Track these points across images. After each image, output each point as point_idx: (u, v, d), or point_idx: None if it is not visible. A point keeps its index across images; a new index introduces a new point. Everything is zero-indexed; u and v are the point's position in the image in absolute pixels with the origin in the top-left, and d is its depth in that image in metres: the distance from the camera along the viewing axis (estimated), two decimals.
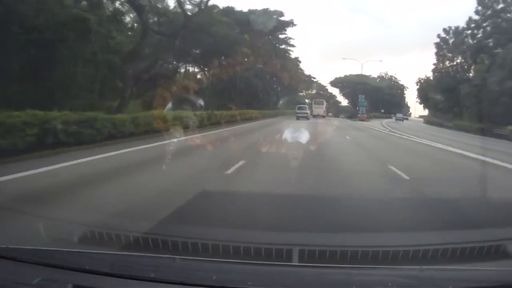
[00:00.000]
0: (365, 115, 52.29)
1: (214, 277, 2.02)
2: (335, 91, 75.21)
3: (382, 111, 62.78)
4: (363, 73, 64.76)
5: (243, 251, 3.48)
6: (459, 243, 3.93)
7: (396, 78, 71.46)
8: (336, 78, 69.26)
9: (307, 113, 42.60)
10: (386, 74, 70.72)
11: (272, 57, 44.14)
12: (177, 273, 2.14)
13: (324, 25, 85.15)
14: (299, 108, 43.30)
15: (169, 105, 19.72)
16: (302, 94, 66.48)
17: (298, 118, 40.24)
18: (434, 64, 50.27)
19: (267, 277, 2.16)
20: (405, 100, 71.62)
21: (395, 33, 69.46)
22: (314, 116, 46.17)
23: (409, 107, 73.65)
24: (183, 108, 20.96)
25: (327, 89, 70.72)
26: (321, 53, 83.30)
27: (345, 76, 67.70)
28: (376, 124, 41.62)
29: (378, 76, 69.06)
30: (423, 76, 57.74)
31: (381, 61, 75.95)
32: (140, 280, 2.02)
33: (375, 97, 58.77)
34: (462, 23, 45.47)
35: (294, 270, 2.50)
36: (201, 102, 23.80)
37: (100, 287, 1.99)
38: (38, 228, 3.74)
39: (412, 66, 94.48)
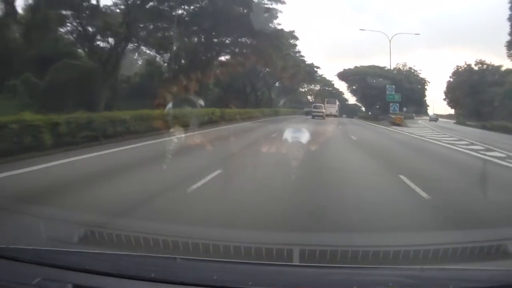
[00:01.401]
0: (401, 116, 37.60)
1: (214, 277, 2.02)
2: (342, 86, 63.62)
3: (405, 109, 49.85)
4: (376, 64, 52.91)
5: (243, 251, 3.48)
6: (460, 243, 3.93)
7: (416, 71, 57.05)
8: (345, 70, 55.91)
9: (323, 112, 41.04)
10: (405, 65, 56.79)
11: (251, 27, 30.75)
12: (178, 273, 2.14)
13: (325, 25, 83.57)
14: (315, 107, 42.03)
15: (170, 104, 19.60)
16: (303, 90, 57.89)
17: (313, 117, 39.04)
18: (508, 42, 35.35)
19: (268, 277, 2.16)
20: (425, 97, 57.69)
21: (398, 31, 66.46)
22: (327, 115, 42.54)
23: (427, 105, 59.83)
24: (183, 108, 20.78)
25: (333, 84, 58.92)
26: (323, 53, 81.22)
27: (355, 67, 55.05)
28: (438, 136, 23.76)
29: (395, 68, 54.91)
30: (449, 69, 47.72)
31: (418, 34, 58.29)
32: (140, 280, 2.02)
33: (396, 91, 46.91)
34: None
35: (295, 270, 2.50)
36: (201, 102, 23.29)
37: (100, 287, 1.99)
38: (38, 228, 3.74)
39: (416, 66, 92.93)
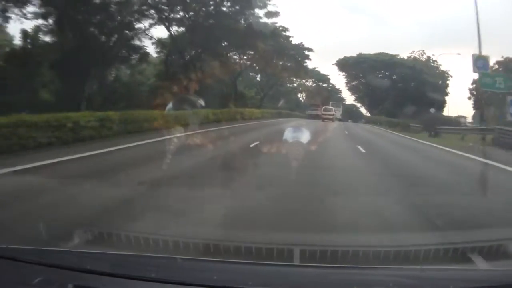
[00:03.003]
0: None
1: (215, 277, 2.02)
2: (339, 82, 53.48)
3: (432, 110, 36.17)
4: (387, 51, 41.56)
5: (244, 251, 3.48)
6: (460, 243, 3.93)
7: (436, 61, 42.33)
8: (346, 57, 43.76)
9: (333, 115, 39.04)
10: (423, 53, 42.84)
11: None
12: (178, 273, 2.13)
13: (321, 26, 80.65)
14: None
15: (170, 105, 19.42)
16: (291, 85, 45.83)
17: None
18: None
19: (268, 277, 2.16)
20: (446, 95, 42.06)
21: (394, 33, 63.76)
22: (329, 119, 38.30)
23: (444, 105, 44.06)
24: (183, 108, 20.59)
25: (328, 79, 46.94)
26: (317, 55, 77.10)
27: (359, 54, 42.99)
28: None
29: (409, 58, 42.72)
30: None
31: None
32: (140, 280, 2.02)
33: (407, 88, 37.47)
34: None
35: (295, 270, 2.50)
36: (201, 102, 22.92)
37: (100, 287, 1.99)
38: (38, 228, 3.74)
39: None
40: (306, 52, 36.05)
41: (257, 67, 36.55)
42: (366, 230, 4.70)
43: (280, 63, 35.12)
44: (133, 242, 3.58)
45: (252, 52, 31.47)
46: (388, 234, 4.66)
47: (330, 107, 40.56)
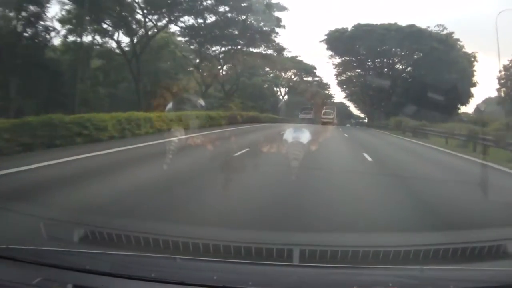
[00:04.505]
0: None
1: (214, 277, 2.02)
2: (326, 74, 43.74)
3: (482, 107, 30.22)
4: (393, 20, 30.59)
5: (244, 251, 3.48)
6: (460, 243, 3.93)
7: (460, 41, 32.47)
8: (338, 29, 31.64)
9: (332, 118, 36.87)
10: (443, 27, 31.96)
11: None
12: (178, 273, 2.14)
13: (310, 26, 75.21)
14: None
15: (170, 105, 19.39)
16: (262, 78, 35.19)
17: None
18: None
19: (268, 277, 2.16)
20: (473, 85, 32.32)
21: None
22: (325, 123, 34.13)
23: (470, 97, 33.07)
24: (183, 109, 20.57)
25: (314, 70, 36.41)
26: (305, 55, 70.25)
27: (358, 24, 30.98)
28: None
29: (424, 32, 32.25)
30: None
31: None
32: (140, 280, 2.02)
33: (424, 74, 28.57)
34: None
35: (295, 270, 2.50)
36: (201, 102, 22.67)
37: (100, 287, 1.99)
38: (38, 228, 3.74)
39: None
40: (277, 14, 21.97)
41: (181, 40, 21.30)
42: None
43: (238, 38, 20.18)
44: (133, 242, 3.58)
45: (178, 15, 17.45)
46: (388, 234, 4.66)
47: (329, 110, 37.49)
